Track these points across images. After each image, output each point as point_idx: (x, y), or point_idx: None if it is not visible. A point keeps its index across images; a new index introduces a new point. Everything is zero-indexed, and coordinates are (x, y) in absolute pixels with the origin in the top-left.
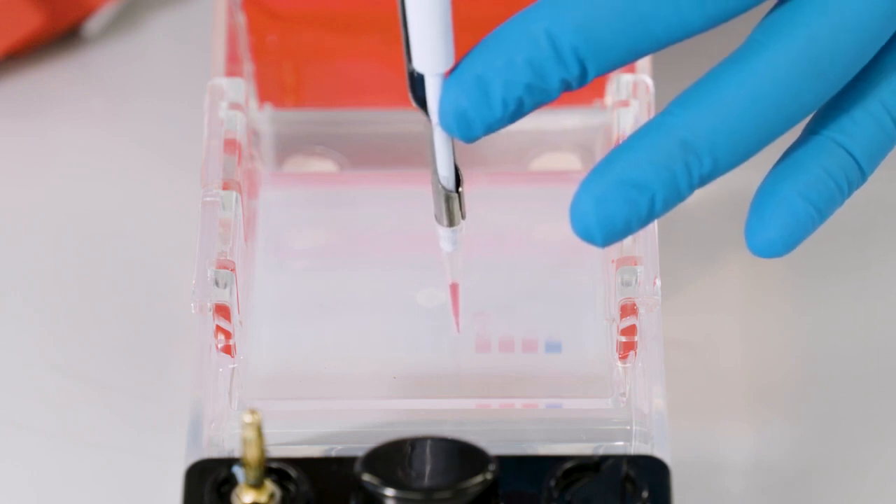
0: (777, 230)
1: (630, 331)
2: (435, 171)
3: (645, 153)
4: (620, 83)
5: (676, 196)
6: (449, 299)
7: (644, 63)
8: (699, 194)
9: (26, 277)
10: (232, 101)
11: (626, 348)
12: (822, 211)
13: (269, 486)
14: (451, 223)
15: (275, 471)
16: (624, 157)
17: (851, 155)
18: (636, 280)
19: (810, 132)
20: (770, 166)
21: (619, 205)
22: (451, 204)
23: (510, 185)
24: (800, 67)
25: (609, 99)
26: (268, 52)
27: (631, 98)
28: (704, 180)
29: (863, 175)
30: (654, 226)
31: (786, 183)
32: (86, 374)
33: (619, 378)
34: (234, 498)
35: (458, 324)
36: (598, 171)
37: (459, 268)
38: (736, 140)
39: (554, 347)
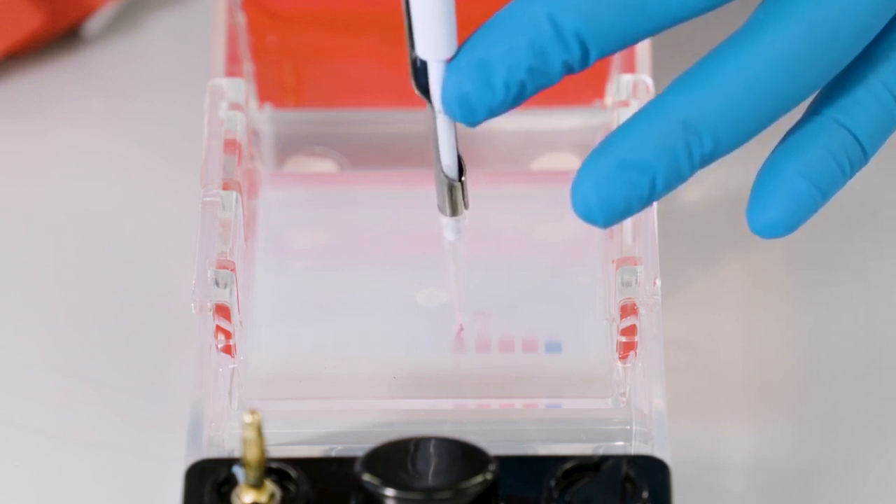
0: (779, 210)
1: (630, 331)
2: (438, 161)
3: (645, 134)
4: (620, 83)
5: (677, 177)
6: (449, 299)
7: (644, 63)
8: (699, 194)
9: (26, 277)
10: (232, 101)
11: (626, 348)
12: (824, 191)
13: (269, 486)
14: (455, 212)
15: (275, 471)
16: (624, 138)
17: (854, 135)
18: (636, 280)
19: (812, 112)
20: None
21: (619, 186)
22: (455, 193)
23: (510, 185)
24: (800, 49)
25: (609, 99)
26: (268, 52)
27: (631, 98)
28: (706, 161)
29: (865, 155)
30: (654, 226)
31: (788, 163)
32: (86, 374)
33: (619, 378)
34: (234, 498)
35: (460, 331)
36: (599, 152)
37: (462, 258)
38: (737, 120)
39: (554, 347)
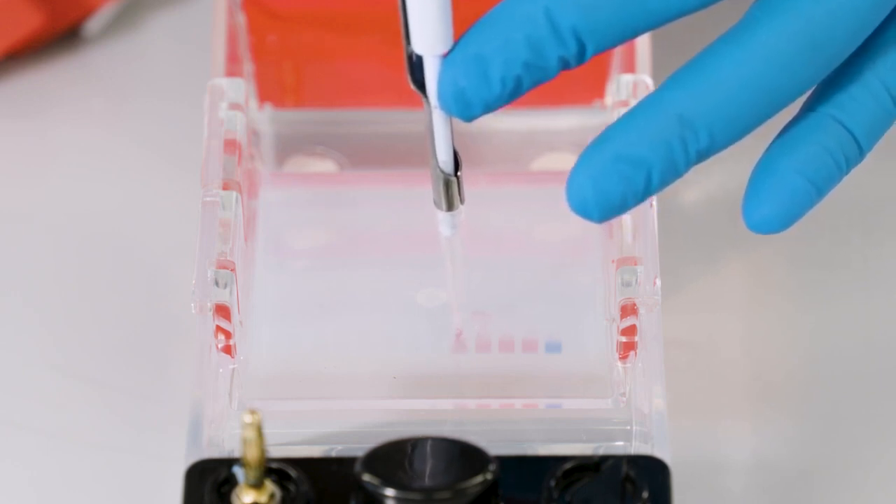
0: (774, 207)
1: (630, 331)
2: (434, 156)
3: (641, 129)
4: (620, 83)
5: (673, 172)
6: (449, 299)
7: (644, 63)
8: (699, 194)
9: (26, 277)
10: (232, 101)
11: (627, 348)
12: (819, 187)
13: (269, 486)
14: (451, 207)
15: (275, 471)
16: (620, 133)
17: (849, 131)
18: (636, 280)
19: (808, 109)
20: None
21: (615, 181)
22: (451, 188)
23: (510, 185)
24: (796, 45)
25: (609, 99)
26: (268, 52)
27: (631, 98)
28: (702, 156)
29: (861, 152)
30: (654, 226)
31: (783, 159)
32: (86, 374)
33: (619, 378)
34: (234, 498)
35: (459, 335)
36: (594, 147)
37: (458, 253)
38: (733, 116)
39: (554, 347)
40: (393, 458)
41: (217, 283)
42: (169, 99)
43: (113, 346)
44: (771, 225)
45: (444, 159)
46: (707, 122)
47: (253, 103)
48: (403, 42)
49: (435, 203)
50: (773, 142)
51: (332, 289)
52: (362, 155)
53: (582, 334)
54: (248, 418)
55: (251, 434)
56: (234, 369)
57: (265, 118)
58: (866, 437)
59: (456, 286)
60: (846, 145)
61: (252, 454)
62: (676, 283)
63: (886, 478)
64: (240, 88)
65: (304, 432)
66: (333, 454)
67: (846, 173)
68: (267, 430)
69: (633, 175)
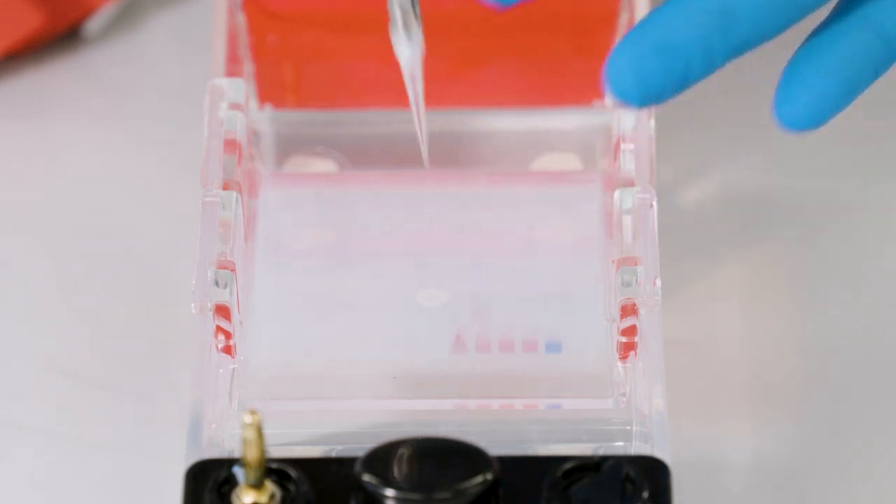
0: (807, 104)
1: (630, 331)
2: None
3: (682, 17)
4: None
5: (711, 63)
6: (448, 299)
7: None
8: (699, 194)
9: (26, 277)
10: (232, 101)
11: (627, 348)
12: (853, 86)
13: (270, 486)
14: (407, 29)
15: (275, 471)
16: (662, 20)
17: (883, 32)
18: (636, 280)
19: (842, 9)
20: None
21: (655, 67)
22: (407, 15)
23: (510, 185)
24: None
25: (609, 99)
26: (268, 52)
27: None
28: (741, 48)
29: (892, 55)
30: (654, 226)
31: (817, 57)
32: (86, 374)
33: (619, 378)
34: (234, 498)
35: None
36: (636, 32)
37: (420, 78)
38: (773, 7)
39: (554, 347)
40: (393, 458)
41: (217, 283)
42: (169, 99)
43: (113, 346)
44: (804, 122)
45: None
46: (748, 12)
47: (253, 103)
48: None
49: (391, 25)
50: (806, 41)
51: (332, 289)
52: (362, 155)
53: (582, 334)
54: (248, 418)
55: (251, 434)
56: (234, 369)
57: (265, 118)
58: (866, 437)
59: (419, 115)
60: (879, 46)
61: (252, 454)
62: (676, 283)
63: (886, 478)
64: (240, 88)
65: (304, 432)
66: (333, 454)
67: (878, 76)
68: (267, 431)
69: (673, 63)
